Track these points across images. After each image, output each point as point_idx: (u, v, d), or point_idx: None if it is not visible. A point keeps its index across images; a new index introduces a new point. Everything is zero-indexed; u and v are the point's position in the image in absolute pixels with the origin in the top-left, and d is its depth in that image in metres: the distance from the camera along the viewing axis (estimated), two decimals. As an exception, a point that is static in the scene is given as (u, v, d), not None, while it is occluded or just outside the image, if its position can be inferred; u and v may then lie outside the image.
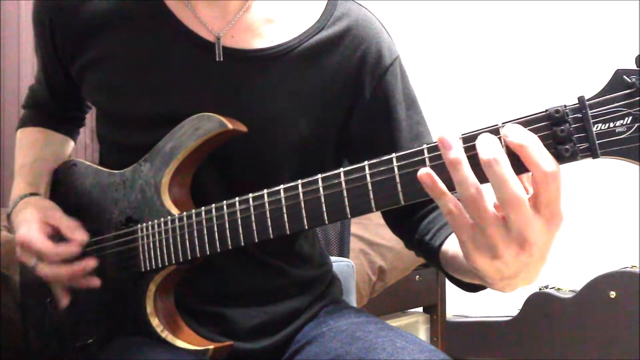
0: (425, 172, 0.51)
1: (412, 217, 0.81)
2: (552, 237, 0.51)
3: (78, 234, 0.82)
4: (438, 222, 0.76)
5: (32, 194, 0.89)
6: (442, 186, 0.51)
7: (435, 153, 0.54)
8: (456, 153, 0.50)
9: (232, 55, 0.79)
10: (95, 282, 0.81)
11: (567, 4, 2.52)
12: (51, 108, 0.98)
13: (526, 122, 0.50)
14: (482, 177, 0.50)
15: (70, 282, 0.82)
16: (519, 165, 0.49)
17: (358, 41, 0.83)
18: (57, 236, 0.83)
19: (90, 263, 0.80)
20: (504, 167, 0.48)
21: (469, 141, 0.52)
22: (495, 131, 0.51)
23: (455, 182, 0.50)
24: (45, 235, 0.81)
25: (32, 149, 0.96)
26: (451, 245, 0.70)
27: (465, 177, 0.50)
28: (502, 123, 0.51)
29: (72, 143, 1.03)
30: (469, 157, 0.51)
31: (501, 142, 0.50)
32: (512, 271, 0.53)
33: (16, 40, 2.03)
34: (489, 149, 0.49)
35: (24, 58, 2.03)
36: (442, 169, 0.52)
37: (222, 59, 0.79)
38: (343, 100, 0.83)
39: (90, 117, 0.96)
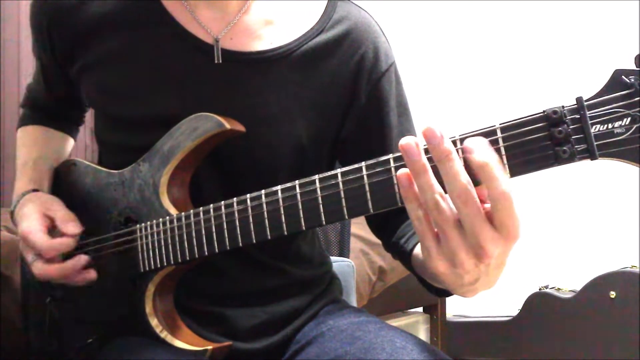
0: (405, 173, 0.52)
1: (390, 220, 0.82)
2: (508, 250, 0.52)
3: (71, 227, 0.81)
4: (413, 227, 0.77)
5: (34, 190, 0.89)
6: (417, 189, 0.51)
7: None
8: (420, 160, 0.50)
9: (231, 57, 0.79)
10: (92, 274, 0.81)
11: (565, 4, 2.52)
12: (50, 107, 0.98)
13: (524, 123, 0.50)
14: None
15: (65, 280, 0.81)
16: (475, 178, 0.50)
17: (356, 45, 0.83)
18: (55, 230, 0.83)
19: (82, 259, 0.80)
20: (455, 163, 0.49)
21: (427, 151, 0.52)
22: (462, 140, 0.51)
23: (419, 187, 0.51)
24: (44, 228, 0.81)
25: (34, 147, 0.96)
26: (421, 251, 0.71)
27: (430, 183, 0.50)
28: (500, 124, 0.51)
29: (72, 141, 1.03)
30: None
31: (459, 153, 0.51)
32: (471, 278, 0.55)
33: (16, 40, 2.03)
34: (481, 151, 0.49)
35: (24, 58, 2.03)
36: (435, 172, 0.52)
37: (220, 61, 0.79)
38: (340, 104, 0.83)
39: (90, 117, 0.96)
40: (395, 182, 0.56)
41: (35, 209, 0.83)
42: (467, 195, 0.49)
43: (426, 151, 0.51)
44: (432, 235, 0.53)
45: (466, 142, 0.50)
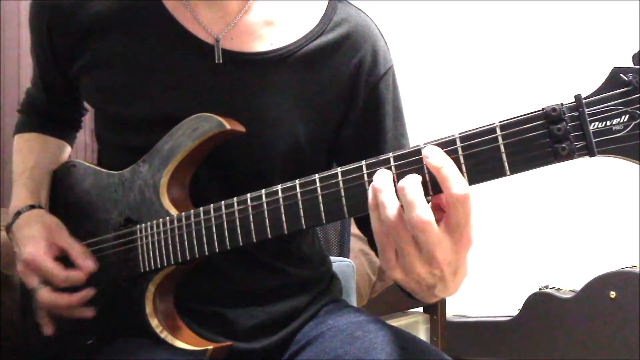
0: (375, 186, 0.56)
1: None
2: (462, 256, 0.55)
3: (88, 263, 0.81)
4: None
5: (32, 206, 0.88)
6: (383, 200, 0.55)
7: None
8: (378, 181, 0.55)
9: (232, 58, 0.79)
10: (89, 313, 0.81)
11: (564, 3, 2.52)
12: (49, 111, 0.98)
13: (523, 121, 0.51)
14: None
15: (66, 312, 0.81)
16: (436, 184, 0.53)
17: (356, 48, 0.83)
18: (62, 258, 0.82)
19: (89, 293, 0.80)
20: (412, 192, 0.52)
21: (398, 160, 0.57)
22: (419, 152, 0.55)
23: (379, 204, 0.55)
24: (51, 256, 0.80)
25: (30, 156, 0.95)
26: None
27: (383, 201, 0.54)
28: (499, 121, 0.52)
29: (69, 148, 1.02)
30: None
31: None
32: (428, 284, 0.58)
33: (16, 40, 2.03)
34: (408, 178, 0.54)
35: (24, 58, 2.03)
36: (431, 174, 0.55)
37: (221, 61, 0.79)
38: (338, 106, 0.83)
39: (90, 117, 0.96)
40: (395, 180, 0.57)
41: (41, 234, 0.82)
42: (425, 225, 0.52)
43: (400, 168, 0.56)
44: (392, 249, 0.56)
45: (423, 151, 0.54)
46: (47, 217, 0.86)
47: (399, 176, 0.57)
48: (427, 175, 0.55)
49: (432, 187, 0.55)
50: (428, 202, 0.53)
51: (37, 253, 0.80)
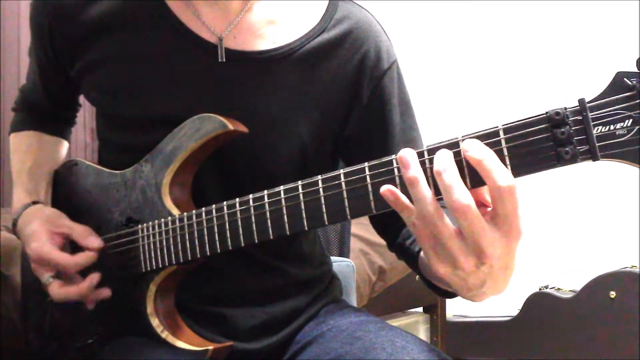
0: (387, 189, 0.53)
1: (395, 222, 0.82)
2: (512, 249, 0.53)
3: (92, 241, 0.81)
4: None
5: (33, 203, 0.88)
6: (405, 200, 0.53)
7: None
8: (413, 172, 0.52)
9: (234, 57, 0.79)
10: (106, 292, 0.81)
11: (567, 5, 2.52)
12: (45, 109, 0.98)
13: (526, 124, 0.51)
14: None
15: (82, 299, 0.81)
16: (475, 177, 0.52)
17: (358, 44, 0.83)
18: (68, 245, 0.82)
19: (95, 278, 0.80)
20: (450, 175, 0.50)
21: (431, 153, 0.54)
22: (456, 144, 0.53)
23: (413, 198, 0.52)
24: (56, 245, 0.81)
25: (28, 154, 0.95)
26: None
27: (423, 194, 0.52)
28: (503, 125, 0.52)
29: (66, 144, 1.02)
30: (429, 171, 0.53)
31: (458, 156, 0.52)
32: (476, 281, 0.55)
33: (16, 40, 2.03)
34: (439, 161, 0.51)
35: (24, 58, 2.03)
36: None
37: (224, 60, 0.79)
38: (342, 102, 0.83)
39: (91, 117, 0.96)
40: (398, 182, 0.57)
41: (42, 227, 0.82)
42: (464, 208, 0.50)
43: (430, 159, 0.53)
44: (429, 242, 0.54)
45: (462, 144, 0.51)
46: (45, 210, 0.87)
47: (402, 179, 0.56)
48: (465, 169, 0.52)
49: (471, 180, 0.52)
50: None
51: (41, 247, 0.80)
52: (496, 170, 0.49)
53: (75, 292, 0.79)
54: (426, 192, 0.52)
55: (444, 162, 0.51)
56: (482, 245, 0.51)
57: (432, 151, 0.53)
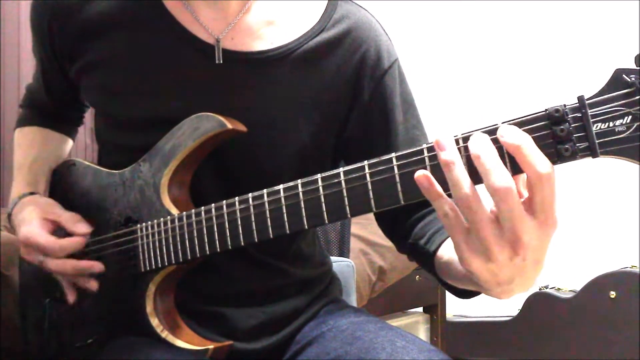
0: (422, 174, 0.51)
1: (406, 220, 0.81)
2: (546, 241, 0.51)
3: (80, 227, 0.82)
4: (433, 226, 0.76)
5: (30, 193, 0.89)
6: (439, 188, 0.51)
7: (434, 153, 0.54)
8: (449, 154, 0.50)
9: (232, 58, 0.79)
10: (94, 285, 0.81)
11: (566, 4, 2.52)
12: (49, 108, 0.98)
13: (526, 122, 0.50)
14: (477, 178, 0.50)
15: (75, 278, 0.82)
16: (513, 165, 0.50)
17: (357, 44, 0.83)
18: (59, 232, 0.83)
19: (97, 265, 0.80)
20: (490, 158, 0.49)
21: (466, 141, 0.52)
22: (493, 131, 0.51)
23: (450, 182, 0.50)
24: (47, 231, 0.81)
25: (31, 149, 0.96)
26: (446, 251, 0.70)
27: (458, 177, 0.50)
28: (502, 123, 0.51)
29: (70, 142, 1.03)
30: (464, 158, 0.51)
31: (496, 143, 0.50)
32: (507, 275, 0.53)
33: (16, 40, 2.03)
34: (477, 143, 0.50)
35: (24, 58, 2.03)
36: (441, 170, 0.52)
37: (221, 61, 0.78)
38: (342, 102, 0.83)
39: (90, 117, 0.96)
40: (397, 180, 0.56)
41: (34, 213, 0.83)
42: (506, 190, 0.48)
43: (465, 147, 0.51)
44: (462, 231, 0.52)
45: (499, 130, 0.50)
46: (40, 199, 0.88)
47: (401, 177, 0.56)
48: (505, 156, 0.50)
49: (510, 166, 0.50)
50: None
51: (30, 231, 0.81)
52: (535, 156, 0.48)
53: (73, 265, 0.80)
54: (463, 175, 0.50)
55: (482, 145, 0.49)
56: (519, 233, 0.49)
57: (467, 139, 0.52)
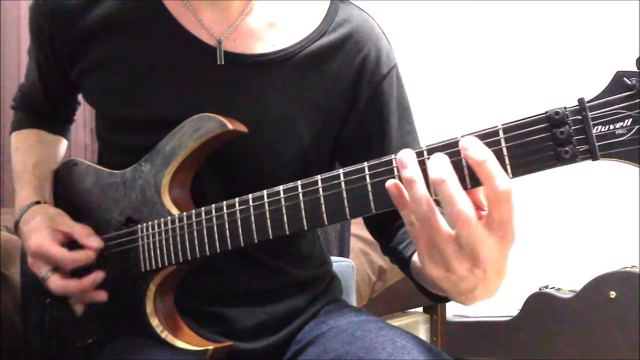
0: (393, 183, 0.52)
1: (390, 225, 0.82)
2: (505, 254, 0.52)
3: (93, 241, 0.81)
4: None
5: (36, 202, 0.88)
6: (407, 198, 0.52)
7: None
8: (411, 172, 0.51)
9: (233, 59, 0.79)
10: (102, 296, 0.81)
11: (567, 5, 2.52)
12: (43, 108, 0.98)
13: (526, 124, 0.51)
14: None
15: (79, 296, 0.81)
16: (473, 179, 0.51)
17: (358, 48, 0.83)
18: (68, 243, 0.82)
19: (99, 276, 0.80)
20: (452, 185, 0.49)
21: (432, 152, 0.53)
22: (454, 144, 0.52)
23: (410, 199, 0.51)
24: (57, 242, 0.81)
25: (30, 153, 0.95)
26: None
27: (419, 195, 0.50)
28: (502, 124, 0.51)
29: (65, 142, 1.03)
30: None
31: (457, 155, 0.51)
32: (469, 285, 0.54)
33: (16, 40, 2.03)
34: (438, 168, 0.50)
35: (24, 58, 2.02)
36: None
37: (223, 63, 0.78)
38: (341, 106, 0.83)
39: (91, 117, 0.96)
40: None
41: (44, 224, 0.82)
42: (466, 219, 0.49)
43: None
44: (425, 243, 0.53)
45: (461, 142, 0.50)
46: (49, 209, 0.87)
47: (401, 179, 0.56)
48: (465, 169, 0.51)
49: (470, 180, 0.51)
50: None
51: (41, 241, 0.80)
52: (497, 173, 0.48)
53: (76, 286, 0.79)
54: (423, 193, 0.50)
55: (443, 171, 0.49)
56: (477, 252, 0.50)
57: (432, 151, 0.53)
